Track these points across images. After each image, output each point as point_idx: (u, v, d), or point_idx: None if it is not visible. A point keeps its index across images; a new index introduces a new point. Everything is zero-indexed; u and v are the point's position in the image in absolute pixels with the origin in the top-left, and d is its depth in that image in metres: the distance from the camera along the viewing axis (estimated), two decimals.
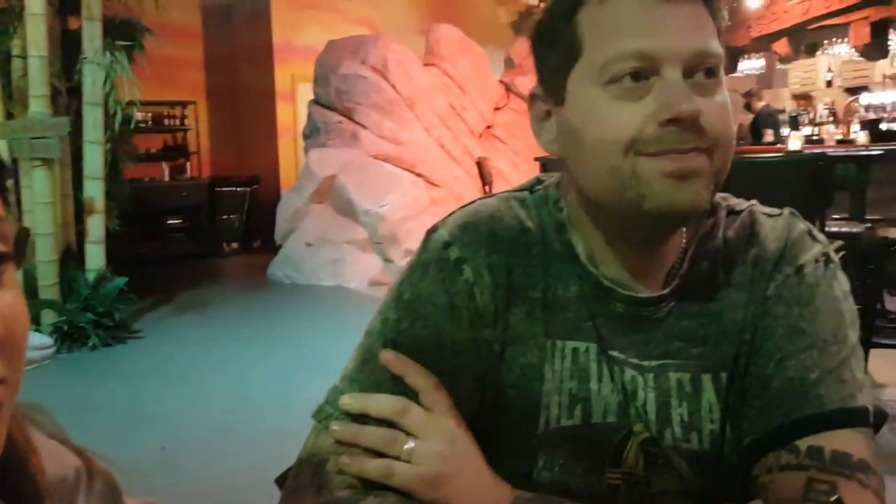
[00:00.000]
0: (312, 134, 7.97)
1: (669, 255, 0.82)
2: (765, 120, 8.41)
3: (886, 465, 2.31)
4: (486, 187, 6.82)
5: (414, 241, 6.98)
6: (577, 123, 0.76)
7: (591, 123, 0.74)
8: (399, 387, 0.77)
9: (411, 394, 0.77)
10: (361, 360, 0.81)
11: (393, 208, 7.17)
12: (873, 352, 3.51)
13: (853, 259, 3.99)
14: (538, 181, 0.89)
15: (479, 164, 8.00)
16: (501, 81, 9.30)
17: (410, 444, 0.75)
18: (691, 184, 0.72)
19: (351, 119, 7.74)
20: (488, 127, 8.97)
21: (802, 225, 0.83)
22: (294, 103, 9.48)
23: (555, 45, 0.78)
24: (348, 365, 0.82)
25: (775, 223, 0.83)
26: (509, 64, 9.80)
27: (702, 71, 0.73)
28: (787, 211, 0.85)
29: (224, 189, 9.41)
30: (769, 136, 7.89)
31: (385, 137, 7.71)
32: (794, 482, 0.71)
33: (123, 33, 5.33)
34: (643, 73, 0.72)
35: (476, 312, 0.80)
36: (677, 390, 0.79)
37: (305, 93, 8.54)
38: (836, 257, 0.82)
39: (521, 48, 9.66)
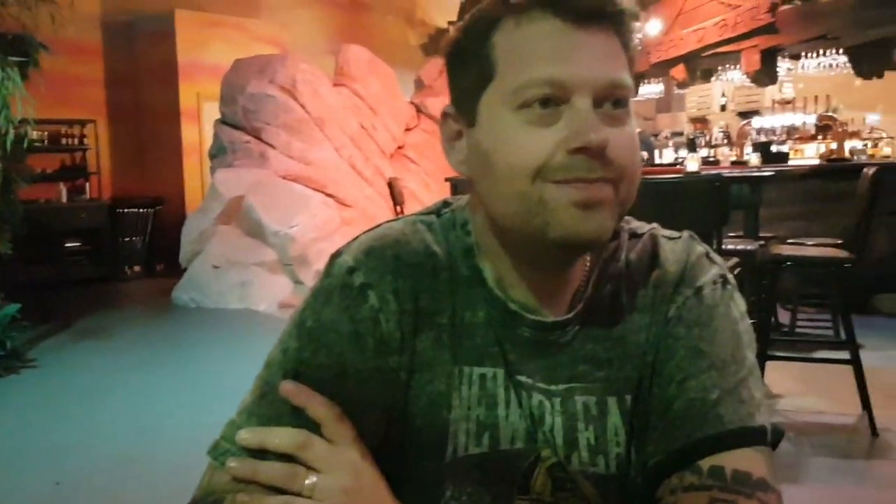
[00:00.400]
0: (219, 154, 7.80)
1: (575, 279, 0.82)
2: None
3: (786, 474, 2.41)
4: (398, 207, 6.82)
5: (324, 263, 6.89)
6: (488, 146, 0.75)
7: (501, 147, 0.74)
8: (300, 419, 0.74)
9: (313, 426, 0.74)
10: (260, 393, 0.78)
11: (303, 229, 7.07)
12: (769, 364, 3.67)
13: (749, 275, 4.17)
14: (445, 204, 0.88)
15: (391, 185, 7.98)
16: (412, 102, 9.35)
17: (312, 479, 0.72)
18: (597, 213, 0.73)
19: (259, 139, 7.61)
20: (399, 147, 8.99)
21: (700, 247, 0.85)
22: (200, 122, 9.26)
23: (468, 66, 0.77)
24: (246, 398, 0.79)
25: (675, 246, 0.85)
26: (419, 85, 9.87)
27: (611, 101, 0.73)
28: (686, 234, 0.87)
29: (126, 210, 9.08)
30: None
31: (294, 157, 7.62)
32: (697, 502, 0.72)
33: (16, 49, 5.09)
34: (553, 99, 0.72)
35: (381, 340, 0.78)
36: (584, 414, 0.80)
37: (211, 112, 8.35)
38: (732, 279, 0.84)
39: (432, 70, 9.75)
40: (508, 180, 0.74)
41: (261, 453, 0.74)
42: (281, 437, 0.73)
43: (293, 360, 0.77)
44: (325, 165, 7.76)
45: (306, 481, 0.72)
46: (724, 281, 0.83)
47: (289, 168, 7.54)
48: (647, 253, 0.84)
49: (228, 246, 7.19)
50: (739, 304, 0.82)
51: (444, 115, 0.81)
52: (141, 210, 9.15)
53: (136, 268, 9.17)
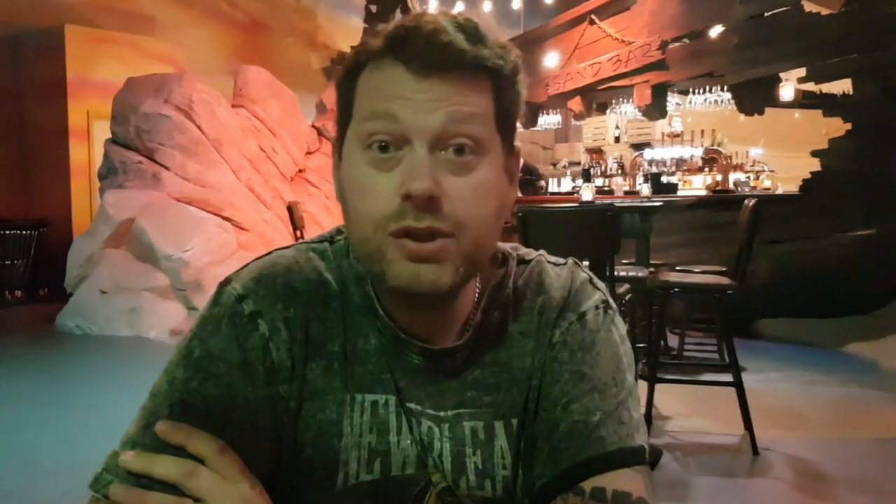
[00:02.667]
0: (109, 174, 7.50)
1: (464, 307, 0.84)
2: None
3: (672, 493, 2.48)
4: (298, 232, 6.73)
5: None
6: (344, 187, 0.77)
7: (355, 190, 0.75)
8: (185, 451, 0.72)
9: (198, 461, 0.72)
10: (145, 423, 0.75)
11: (197, 253, 6.87)
12: (658, 387, 3.81)
13: (640, 301, 4.33)
14: (339, 231, 0.89)
15: (291, 209, 7.88)
16: (313, 126, 9.28)
17: None
18: (433, 268, 0.73)
19: (152, 160, 7.38)
20: (300, 171, 8.89)
21: (584, 274, 0.88)
22: (89, 142, 8.90)
23: (340, 103, 0.79)
24: (130, 428, 0.76)
25: (560, 272, 0.88)
26: (321, 108, 9.82)
27: (451, 148, 0.73)
28: (570, 261, 0.90)
29: (7, 232, 8.60)
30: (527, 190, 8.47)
31: (189, 179, 7.42)
32: None
33: None
34: (393, 144, 0.73)
35: (271, 369, 0.77)
36: (471, 439, 0.81)
37: (102, 131, 8.05)
38: (613, 304, 0.87)
39: (334, 93, 9.71)
40: (359, 224, 0.75)
41: (146, 481, 0.71)
42: (167, 466, 0.71)
43: (180, 391, 0.76)
44: (222, 188, 7.59)
45: None
46: (606, 306, 0.86)
47: (183, 190, 7.33)
48: (533, 279, 0.87)
49: (118, 270, 6.91)
50: (620, 328, 0.86)
51: (332, 144, 0.83)
52: (23, 232, 8.69)
53: (18, 293, 8.68)
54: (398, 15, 10.59)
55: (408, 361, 0.81)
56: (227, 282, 0.81)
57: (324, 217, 8.44)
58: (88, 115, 8.87)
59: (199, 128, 7.52)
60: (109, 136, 7.62)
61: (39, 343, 6.54)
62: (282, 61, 10.58)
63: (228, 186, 7.67)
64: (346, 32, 11.41)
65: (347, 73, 0.77)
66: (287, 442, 0.78)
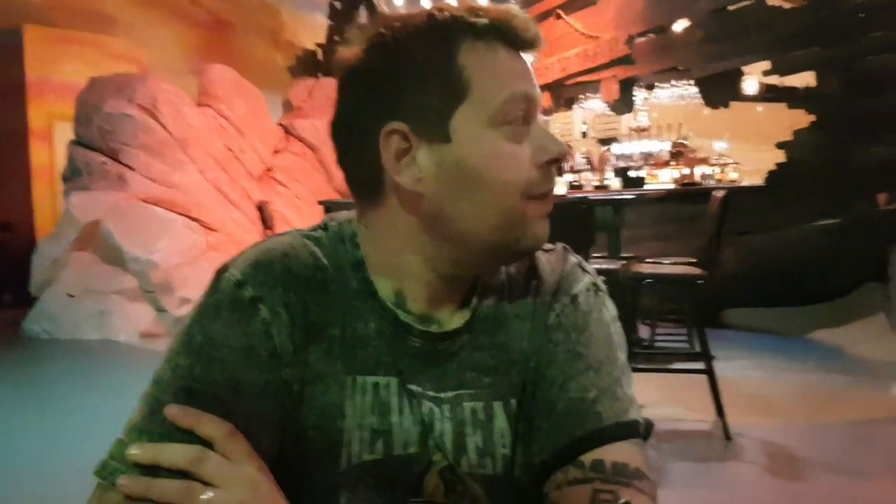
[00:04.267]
0: (73, 176, 7.38)
1: (463, 292, 0.86)
2: None
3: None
4: (269, 231, 6.70)
5: (190, 289, 6.65)
6: (477, 164, 0.78)
7: (493, 164, 0.78)
8: (192, 437, 0.73)
9: (206, 444, 0.73)
10: (150, 410, 0.75)
11: (166, 255, 6.80)
12: (633, 376, 3.86)
13: (612, 293, 4.37)
14: (331, 219, 0.90)
15: (261, 208, 7.85)
16: (280, 124, 9.22)
17: (209, 495, 0.70)
18: (548, 221, 0.82)
19: (117, 160, 7.28)
20: (268, 170, 8.83)
21: (574, 258, 0.91)
22: (51, 143, 8.75)
23: (428, 83, 0.78)
24: (133, 416, 0.76)
25: (551, 257, 0.90)
26: (288, 107, 9.75)
27: None
28: (560, 246, 0.92)
29: None
30: None
31: (156, 180, 7.33)
32: (582, 495, 0.76)
33: None
34: (527, 117, 0.79)
35: (274, 353, 0.78)
36: (471, 419, 0.82)
37: (65, 132, 7.91)
38: (603, 286, 0.90)
39: (300, 91, 9.66)
40: (499, 196, 0.78)
41: (153, 470, 0.71)
42: (175, 453, 0.71)
43: (185, 378, 0.76)
44: (189, 188, 7.51)
45: (202, 496, 0.70)
46: (597, 288, 0.89)
47: (150, 191, 7.24)
48: (525, 265, 0.89)
49: (84, 273, 6.80)
50: (610, 309, 0.89)
51: (391, 132, 0.79)
52: None
53: None
54: (363, 12, 10.55)
55: (408, 345, 0.83)
56: (224, 269, 0.82)
57: (293, 216, 8.40)
58: (49, 117, 8.72)
59: (164, 127, 7.44)
60: (72, 137, 7.50)
61: (5, 348, 6.42)
62: (247, 60, 10.50)
63: (195, 186, 7.59)
64: (311, 30, 11.35)
65: (436, 54, 0.78)
66: (291, 425, 0.79)
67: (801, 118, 6.00)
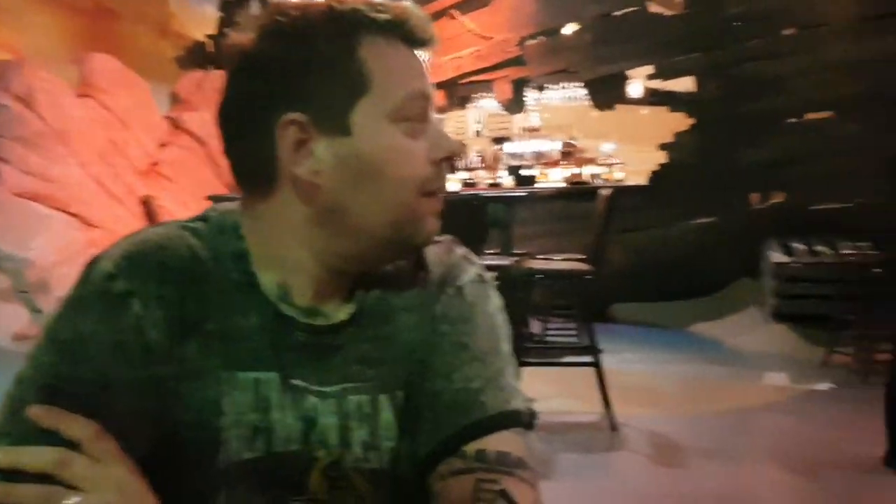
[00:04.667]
0: None
1: (350, 284, 0.85)
2: None
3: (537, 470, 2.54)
4: None
5: (68, 288, 6.33)
6: (376, 158, 0.78)
7: (392, 160, 0.78)
8: (57, 438, 0.69)
9: (73, 445, 0.69)
10: (11, 411, 0.71)
11: (42, 252, 6.44)
12: (523, 370, 3.94)
13: (504, 289, 4.44)
14: (213, 210, 0.87)
15: (145, 204, 7.55)
16: (167, 117, 8.89)
17: (73, 499, 0.67)
18: (438, 219, 0.84)
19: None
20: (154, 164, 8.50)
21: (460, 250, 0.91)
22: None
23: (330, 74, 0.77)
24: None
25: (438, 249, 0.90)
26: (175, 99, 9.41)
27: None
28: (447, 238, 0.92)
29: None
30: None
31: (32, 174, 6.92)
32: (465, 485, 0.77)
33: None
34: (425, 114, 0.80)
35: (147, 349, 0.75)
36: (357, 412, 0.81)
37: None
38: (489, 277, 0.91)
39: (189, 83, 9.35)
40: (396, 191, 0.79)
41: (14, 475, 0.67)
42: (37, 456, 0.68)
43: (49, 376, 0.72)
44: (69, 182, 7.14)
45: (66, 501, 0.67)
46: (482, 279, 0.90)
47: (25, 185, 6.84)
48: (412, 257, 0.89)
49: None
50: (496, 300, 0.90)
51: (288, 122, 0.77)
52: None
53: None
54: (255, 3, 10.31)
55: (291, 339, 0.81)
56: (95, 260, 0.78)
57: (180, 212, 8.11)
58: None
59: (41, 118, 7.04)
60: None
61: None
62: (132, 50, 10.07)
63: (75, 181, 7.22)
64: (201, 20, 11.00)
65: (336, 47, 0.77)
66: (165, 424, 0.76)
67: (683, 121, 6.28)
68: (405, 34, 0.80)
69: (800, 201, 5.89)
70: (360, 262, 0.83)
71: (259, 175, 0.80)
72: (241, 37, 0.80)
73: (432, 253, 0.89)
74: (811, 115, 5.93)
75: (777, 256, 5.60)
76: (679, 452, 3.57)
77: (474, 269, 0.90)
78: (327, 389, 0.81)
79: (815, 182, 5.76)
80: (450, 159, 0.82)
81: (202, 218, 0.86)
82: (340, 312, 0.84)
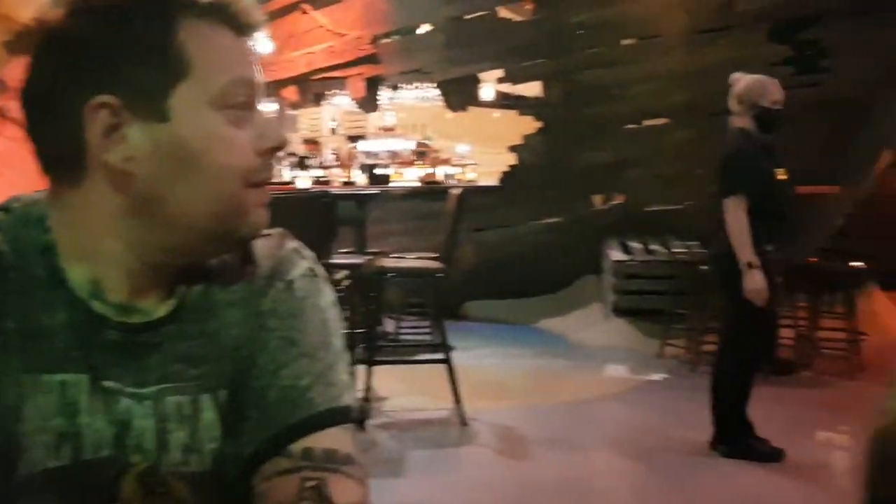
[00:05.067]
0: None
1: (170, 277, 0.80)
2: None
3: (389, 468, 2.60)
4: None
5: None
6: (195, 146, 0.74)
7: (213, 148, 0.74)
8: None
9: None
10: None
11: None
12: (376, 369, 3.93)
13: (358, 287, 4.43)
14: (16, 200, 0.81)
15: None
16: None
17: None
18: (266, 211, 0.81)
19: None
20: None
21: (292, 243, 0.89)
22: None
23: (146, 56, 0.73)
24: None
25: (267, 242, 0.87)
26: (2, 87, 8.72)
27: None
28: (278, 231, 0.90)
29: None
30: None
31: None
32: (289, 484, 0.75)
33: None
34: (250, 103, 0.77)
35: None
36: (176, 414, 0.78)
37: None
38: (321, 271, 0.89)
39: (18, 70, 8.68)
40: (217, 181, 0.75)
41: None
42: None
43: None
44: None
45: None
46: (314, 273, 0.87)
47: None
48: (239, 250, 0.85)
49: None
50: (328, 295, 0.88)
51: (99, 106, 0.72)
52: None
53: None
54: None
55: (103, 337, 0.76)
56: None
57: None
58: None
59: None
60: None
61: None
62: None
63: None
64: (31, 3, 10.25)
65: (151, 28, 0.73)
66: None
67: (532, 124, 6.49)
68: (229, 19, 0.77)
69: (637, 202, 6.23)
70: (181, 255, 0.79)
71: (67, 162, 0.75)
72: (50, 13, 0.74)
73: (261, 246, 0.86)
74: (648, 122, 6.28)
75: (616, 255, 5.91)
76: (524, 444, 3.69)
77: (306, 262, 0.88)
78: (143, 391, 0.77)
79: (651, 184, 6.12)
80: (277, 150, 0.80)
81: (3, 209, 0.79)
82: (159, 308, 0.79)
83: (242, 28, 0.78)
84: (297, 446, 0.77)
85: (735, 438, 3.48)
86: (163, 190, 0.75)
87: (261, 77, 0.79)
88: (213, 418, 0.79)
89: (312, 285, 0.86)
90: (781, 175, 3.55)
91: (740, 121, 3.54)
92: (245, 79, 0.77)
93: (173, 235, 0.77)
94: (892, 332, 5.43)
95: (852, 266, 5.15)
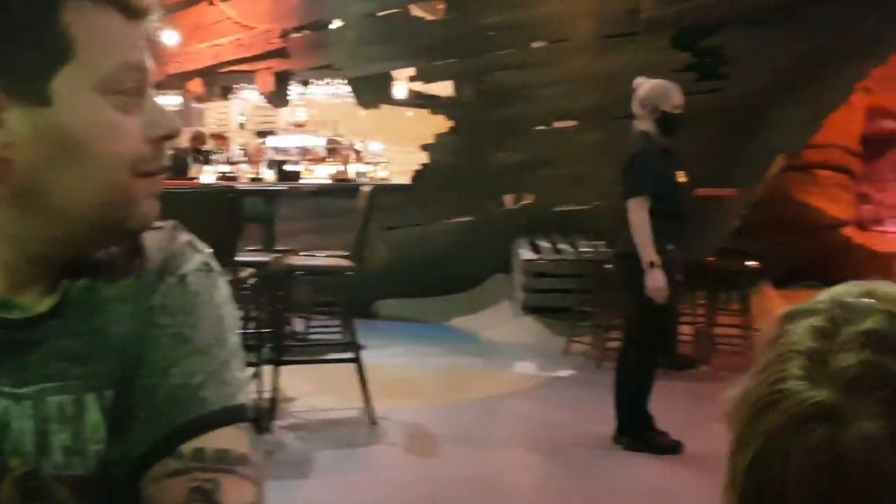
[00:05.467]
0: None
1: (52, 271, 0.76)
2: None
3: (296, 470, 2.56)
4: None
5: None
6: (80, 132, 0.70)
7: (99, 135, 0.70)
8: None
9: None
10: None
11: None
12: (285, 369, 3.87)
13: (265, 286, 4.34)
14: None
15: None
16: None
17: None
18: (157, 202, 0.78)
19: None
20: None
21: (185, 236, 0.85)
22: None
23: (25, 36, 0.69)
24: None
25: (158, 235, 0.84)
26: None
27: None
28: (170, 223, 0.86)
29: None
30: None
31: None
32: (179, 487, 0.72)
33: None
34: (141, 89, 0.73)
35: None
36: (58, 415, 0.74)
37: None
38: (217, 265, 0.86)
39: None
40: (105, 169, 0.71)
41: None
42: None
43: None
44: None
45: None
46: (209, 268, 0.84)
47: None
48: (129, 242, 0.82)
49: None
50: (223, 290, 0.85)
51: None
52: None
53: None
54: None
55: None
56: None
57: None
58: None
59: None
60: None
61: None
62: None
63: None
64: None
65: (33, 8, 0.70)
66: None
67: (444, 124, 6.52)
68: (119, 1, 0.73)
69: (547, 203, 6.35)
70: (65, 248, 0.75)
71: None
72: None
73: (152, 239, 0.83)
74: (557, 123, 6.40)
75: (525, 254, 6.00)
76: (433, 442, 3.70)
77: (200, 256, 0.84)
78: (22, 391, 0.73)
79: (560, 185, 6.24)
80: (169, 138, 0.77)
81: None
82: (40, 304, 0.75)
83: (133, 11, 0.74)
84: (188, 447, 0.74)
85: (637, 432, 3.58)
86: (44, 178, 0.71)
87: (152, 63, 0.76)
88: (97, 419, 0.75)
89: (207, 280, 0.83)
90: (681, 177, 3.67)
91: (643, 124, 3.64)
92: (134, 63, 0.73)
93: (56, 226, 0.73)
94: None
95: (747, 265, 5.39)
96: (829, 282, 0.58)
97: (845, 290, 0.55)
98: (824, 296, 0.56)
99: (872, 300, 0.53)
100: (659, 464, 3.44)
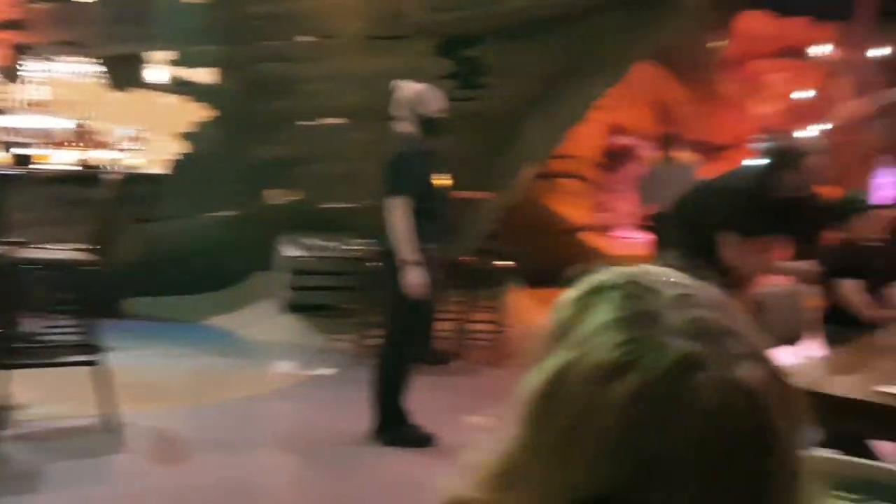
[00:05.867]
0: None
1: None
2: None
3: (24, 485, 2.30)
4: None
5: None
6: None
7: None
8: None
9: None
10: None
11: None
12: (15, 373, 3.47)
13: None
14: None
15: None
16: None
17: None
18: None
19: None
20: None
21: None
22: None
23: None
24: None
25: None
26: None
27: None
28: None
29: None
30: None
31: None
32: None
33: None
34: None
35: None
36: None
37: None
38: None
39: None
40: None
41: None
42: None
43: None
44: None
45: None
46: None
47: None
48: None
49: None
50: None
51: None
52: None
53: None
54: None
55: None
56: None
57: None
58: None
59: None
60: None
61: None
62: None
63: None
64: None
65: None
66: None
67: (207, 112, 6.21)
68: None
69: (314, 199, 6.26)
70: None
71: None
72: None
73: None
74: (325, 120, 6.34)
75: (288, 250, 5.88)
76: (183, 446, 3.51)
77: None
78: None
79: (327, 182, 6.18)
80: None
81: None
82: None
83: None
84: None
85: (393, 427, 3.65)
86: None
87: None
88: None
89: None
90: (441, 179, 3.80)
91: (405, 126, 3.72)
92: None
93: None
94: (532, 324, 6.09)
95: (501, 265, 5.70)
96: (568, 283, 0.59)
97: (617, 272, 0.56)
98: (599, 278, 0.56)
99: (644, 274, 0.55)
100: (412, 457, 3.52)
